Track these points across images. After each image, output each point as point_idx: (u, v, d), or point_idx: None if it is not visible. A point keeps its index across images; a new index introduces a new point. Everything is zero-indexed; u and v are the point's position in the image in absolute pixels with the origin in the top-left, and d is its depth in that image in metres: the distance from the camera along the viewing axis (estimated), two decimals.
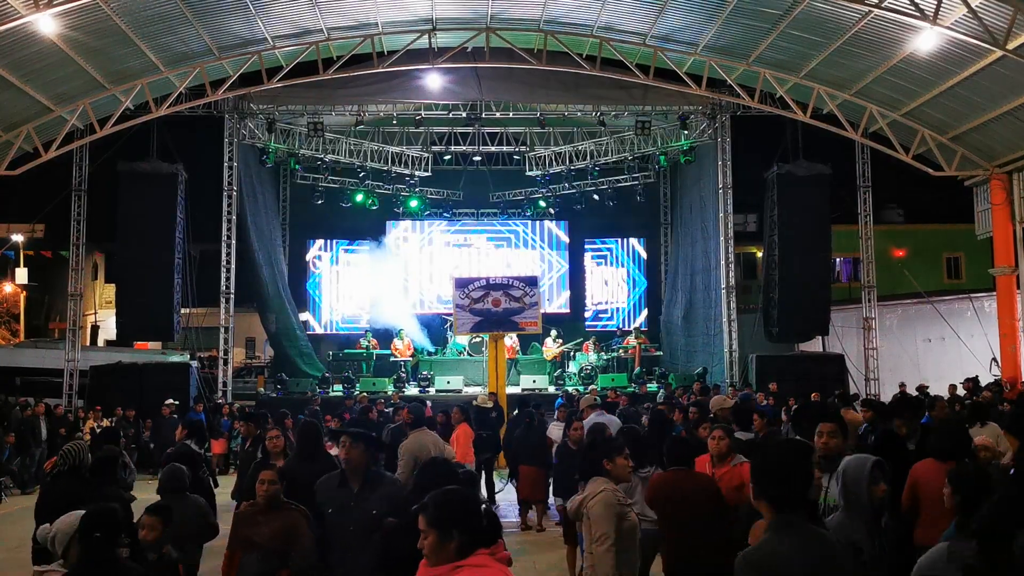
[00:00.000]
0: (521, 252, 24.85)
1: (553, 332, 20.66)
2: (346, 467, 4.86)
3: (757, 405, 11.99)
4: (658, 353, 21.93)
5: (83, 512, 3.84)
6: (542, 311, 17.21)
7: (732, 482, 5.34)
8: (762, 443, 5.46)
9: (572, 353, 20.94)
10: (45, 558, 3.93)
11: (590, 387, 16.76)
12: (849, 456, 4.19)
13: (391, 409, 13.63)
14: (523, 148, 22.83)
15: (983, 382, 15.43)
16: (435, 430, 8.22)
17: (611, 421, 8.61)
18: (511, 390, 17.02)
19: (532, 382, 18.41)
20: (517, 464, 10.00)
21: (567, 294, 24.96)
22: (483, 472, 10.74)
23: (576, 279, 25.08)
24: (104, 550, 3.66)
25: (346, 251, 24.46)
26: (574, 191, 23.25)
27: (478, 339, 19.79)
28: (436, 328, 22.51)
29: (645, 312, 24.86)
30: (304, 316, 24.02)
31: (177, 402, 15.32)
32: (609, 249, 25.38)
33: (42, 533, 3.96)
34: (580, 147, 22.31)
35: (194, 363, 18.46)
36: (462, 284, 16.74)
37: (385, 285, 23.60)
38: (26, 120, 15.78)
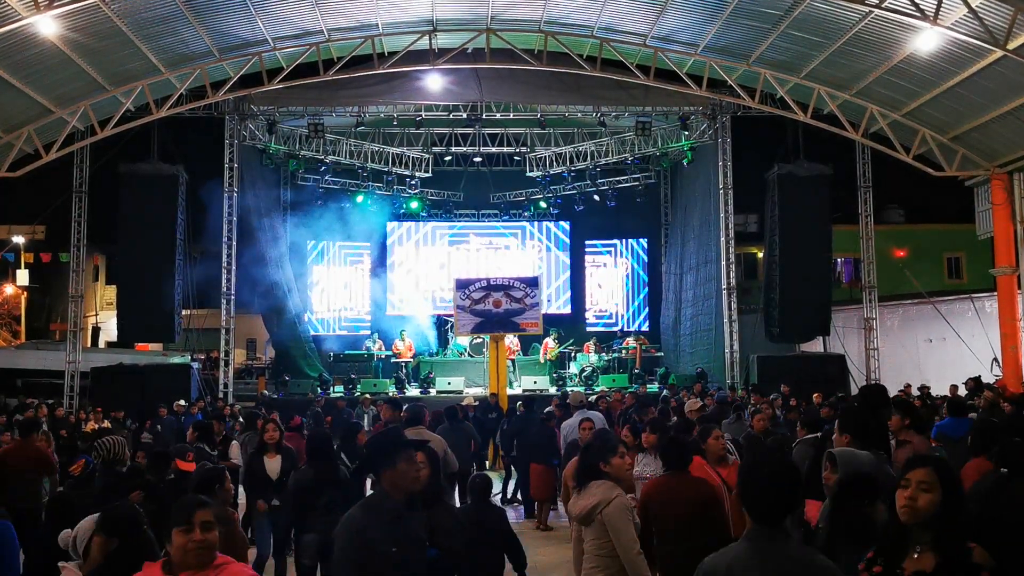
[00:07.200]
0: (522, 253, 24.81)
1: (553, 332, 20.64)
2: None
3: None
4: (659, 354, 21.93)
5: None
6: (543, 312, 17.22)
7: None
8: (755, 453, 5.39)
9: (573, 354, 20.93)
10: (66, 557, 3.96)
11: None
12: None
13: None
14: (523, 149, 22.82)
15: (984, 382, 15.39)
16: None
17: (597, 419, 8.58)
18: (512, 391, 17.02)
19: (533, 383, 18.40)
20: (528, 462, 10.06)
21: (568, 295, 24.93)
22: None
23: (577, 280, 25.04)
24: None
25: (347, 252, 24.44)
26: (575, 192, 23.22)
27: (479, 340, 19.77)
28: (437, 329, 22.51)
29: (646, 312, 24.82)
30: (305, 317, 24.00)
31: (185, 404, 15.32)
32: (610, 250, 25.36)
33: (63, 537, 3.96)
34: (581, 148, 22.30)
35: (195, 364, 18.48)
36: (463, 285, 16.75)
37: (386, 286, 23.55)
38: (27, 122, 15.77)
